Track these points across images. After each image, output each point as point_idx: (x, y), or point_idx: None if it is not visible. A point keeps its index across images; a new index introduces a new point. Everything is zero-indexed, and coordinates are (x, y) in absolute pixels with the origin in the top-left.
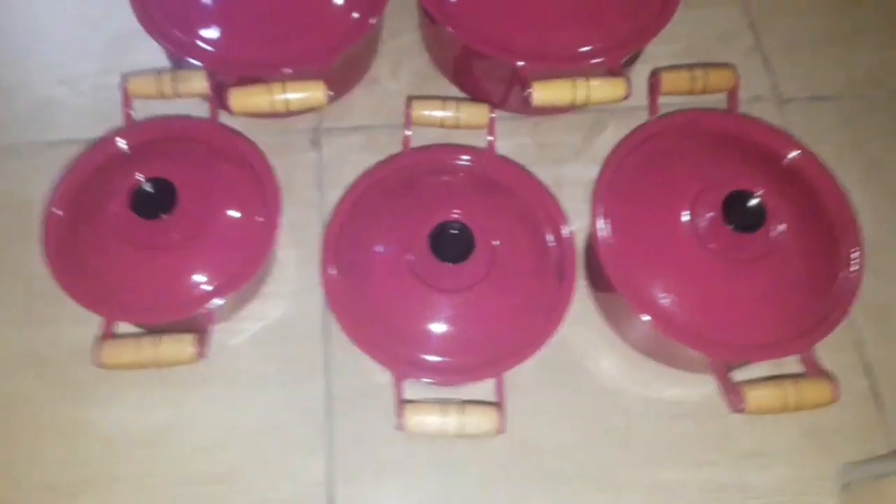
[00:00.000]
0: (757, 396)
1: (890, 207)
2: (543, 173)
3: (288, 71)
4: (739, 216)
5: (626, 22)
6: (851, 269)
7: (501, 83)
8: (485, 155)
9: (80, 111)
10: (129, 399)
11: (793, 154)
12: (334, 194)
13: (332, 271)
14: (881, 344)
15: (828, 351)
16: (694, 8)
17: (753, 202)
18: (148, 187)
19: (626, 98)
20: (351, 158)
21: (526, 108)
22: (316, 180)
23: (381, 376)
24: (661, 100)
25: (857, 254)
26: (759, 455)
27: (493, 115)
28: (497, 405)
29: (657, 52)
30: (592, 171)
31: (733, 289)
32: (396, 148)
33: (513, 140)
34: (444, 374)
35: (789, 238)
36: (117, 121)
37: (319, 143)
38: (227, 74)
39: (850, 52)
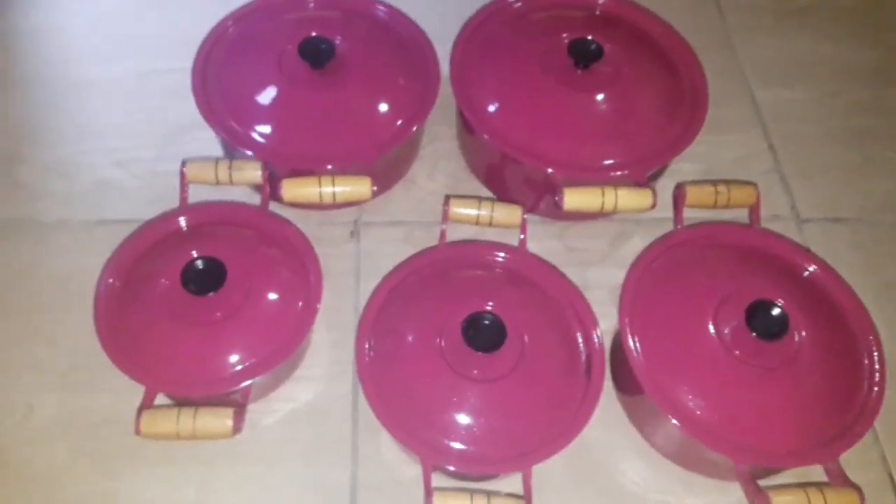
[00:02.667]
0: (782, 503)
1: None
2: (570, 275)
3: (334, 167)
4: (763, 324)
5: (652, 139)
6: (875, 382)
7: (533, 188)
8: (517, 252)
9: (133, 193)
10: (157, 474)
11: (813, 268)
12: (370, 284)
13: (367, 356)
14: None
15: (854, 464)
16: (715, 133)
17: (776, 311)
18: (199, 265)
19: (652, 208)
20: (387, 251)
21: (556, 212)
22: (353, 269)
23: (409, 467)
24: (686, 213)
25: (879, 369)
26: None
27: (525, 216)
28: (523, 499)
29: (681, 168)
30: (617, 276)
31: (758, 395)
32: (431, 243)
33: (542, 242)
34: (474, 465)
35: (811, 348)
36: (167, 205)
37: (359, 235)
38: (279, 166)
39: (864, 179)
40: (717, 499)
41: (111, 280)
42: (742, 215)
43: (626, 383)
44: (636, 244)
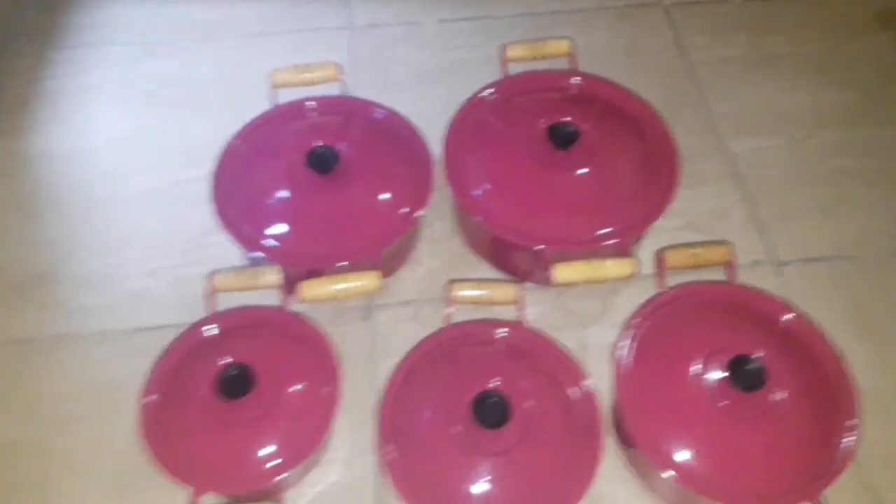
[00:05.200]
0: None
1: (884, 358)
2: (569, 337)
3: (345, 263)
4: (744, 377)
5: (632, 207)
6: (852, 420)
7: (526, 262)
8: (517, 327)
9: (163, 300)
10: None
11: (787, 317)
12: (384, 363)
13: (389, 446)
14: (887, 488)
15: (843, 496)
16: (693, 187)
17: (755, 364)
18: (231, 372)
19: (635, 276)
20: (399, 330)
21: (549, 282)
22: (368, 351)
23: None
24: (668, 273)
25: (855, 407)
26: None
27: (522, 291)
28: None
29: (663, 225)
30: (612, 334)
31: (745, 442)
32: (439, 318)
33: (540, 307)
34: None
35: (791, 394)
36: (196, 308)
37: (370, 317)
38: (295, 268)
39: (838, 218)
40: None
41: (151, 397)
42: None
43: (626, 438)
44: (626, 300)
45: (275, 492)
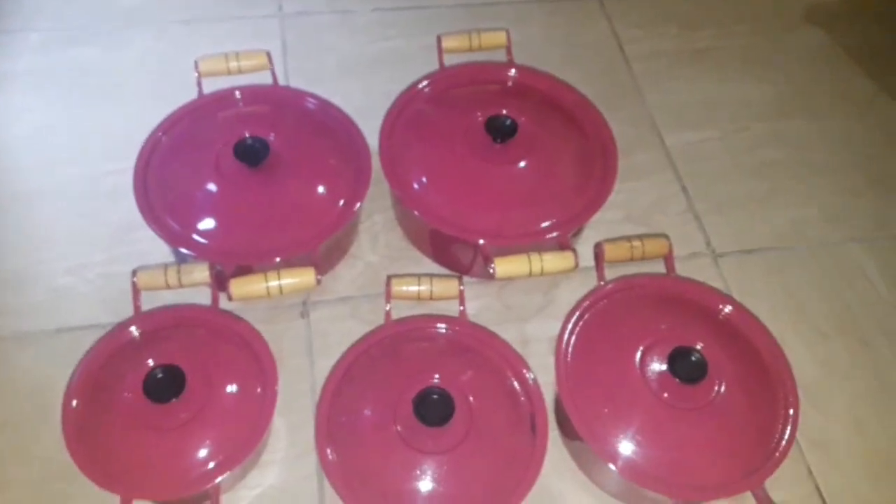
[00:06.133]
0: None
1: (820, 346)
2: (511, 331)
3: (277, 260)
4: (684, 370)
5: (571, 199)
6: (789, 410)
7: (466, 256)
8: (458, 322)
9: (87, 298)
10: None
11: (726, 308)
12: (323, 362)
13: (326, 442)
14: (827, 473)
15: (786, 483)
16: (631, 180)
17: (695, 357)
18: (158, 374)
19: (574, 269)
20: (337, 327)
21: (490, 276)
22: (306, 349)
23: None
24: (607, 267)
25: (793, 399)
26: None
27: (462, 287)
28: None
29: (603, 217)
30: (554, 328)
31: (687, 434)
32: (379, 315)
33: (481, 301)
34: None
35: (732, 385)
36: (122, 306)
37: (308, 315)
38: (225, 264)
39: (772, 210)
40: None
41: (74, 402)
42: (659, 264)
43: (569, 431)
44: (566, 292)
45: (210, 496)
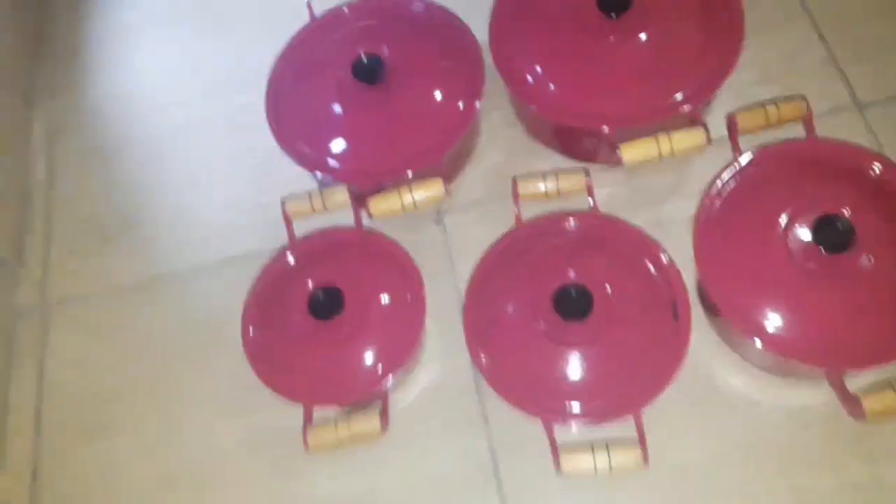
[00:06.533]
0: (873, 402)
1: None
2: (643, 216)
3: (410, 173)
4: (830, 238)
5: (697, 68)
6: None
7: (592, 144)
8: (589, 216)
9: (244, 229)
10: (322, 473)
11: (874, 166)
12: (462, 265)
13: (477, 347)
14: None
15: None
16: (761, 33)
17: (841, 224)
18: (320, 295)
19: (708, 144)
20: (471, 231)
21: (618, 162)
22: (446, 254)
23: (536, 425)
24: (741, 136)
25: None
26: (893, 454)
27: (588, 178)
28: (639, 440)
29: (733, 80)
30: (689, 207)
31: (835, 303)
32: (508, 216)
33: (611, 188)
34: (587, 419)
35: (883, 251)
36: (277, 233)
37: (442, 222)
38: (361, 184)
39: None
40: (822, 397)
41: (251, 329)
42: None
43: (713, 309)
44: (699, 170)
45: (380, 397)
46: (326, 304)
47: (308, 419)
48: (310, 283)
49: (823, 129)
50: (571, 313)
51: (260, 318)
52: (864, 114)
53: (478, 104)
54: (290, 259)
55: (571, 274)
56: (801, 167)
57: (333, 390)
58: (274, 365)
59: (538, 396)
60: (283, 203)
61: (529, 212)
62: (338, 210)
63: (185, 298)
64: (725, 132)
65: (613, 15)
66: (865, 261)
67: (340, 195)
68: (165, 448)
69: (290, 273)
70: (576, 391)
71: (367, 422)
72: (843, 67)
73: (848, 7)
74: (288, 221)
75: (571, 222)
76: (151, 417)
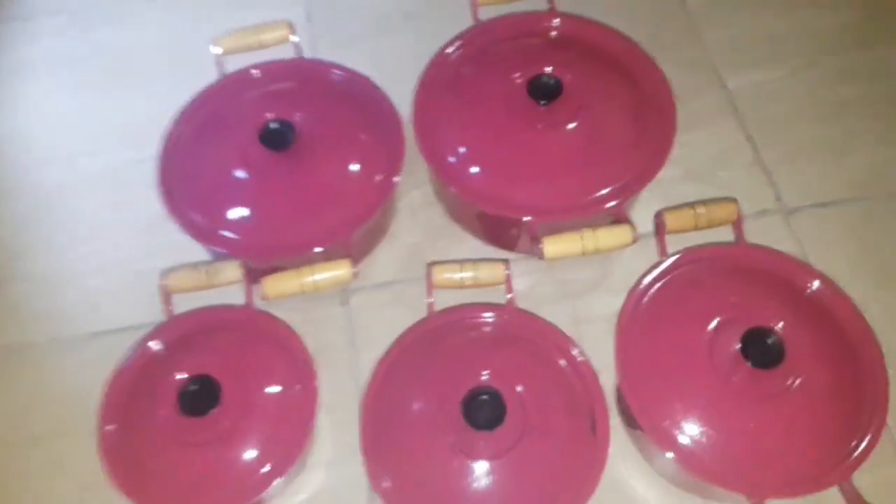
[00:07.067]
0: None
1: None
2: (563, 310)
3: (319, 250)
4: (759, 353)
5: (626, 162)
6: (879, 394)
7: (512, 233)
8: (506, 311)
9: (120, 299)
10: None
11: (806, 281)
12: (366, 354)
13: (374, 455)
14: None
15: (870, 464)
16: (691, 131)
17: (771, 339)
18: (193, 387)
19: (633, 243)
20: (379, 315)
21: (539, 254)
22: (347, 340)
23: None
24: (669, 236)
25: (882, 381)
26: None
27: (508, 271)
28: None
29: (660, 177)
30: (611, 304)
31: (759, 423)
32: (422, 300)
33: (530, 277)
34: None
35: (813, 369)
36: (156, 304)
37: (348, 303)
38: (257, 261)
39: (847, 156)
40: None
41: (108, 427)
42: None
43: (631, 421)
44: (623, 267)
45: None
46: (199, 398)
47: None
48: (182, 373)
49: (748, 233)
50: (482, 422)
51: (121, 415)
52: (789, 219)
53: (395, 179)
54: (161, 343)
55: (484, 376)
56: (731, 274)
57: (200, 501)
58: (135, 470)
59: None
60: (161, 276)
61: (444, 299)
62: (228, 286)
63: (43, 375)
64: (651, 228)
65: (543, 102)
66: (793, 380)
67: (231, 271)
68: None
69: (160, 360)
70: None
71: None
72: (770, 170)
73: (776, 109)
74: (167, 297)
75: (486, 317)
76: None
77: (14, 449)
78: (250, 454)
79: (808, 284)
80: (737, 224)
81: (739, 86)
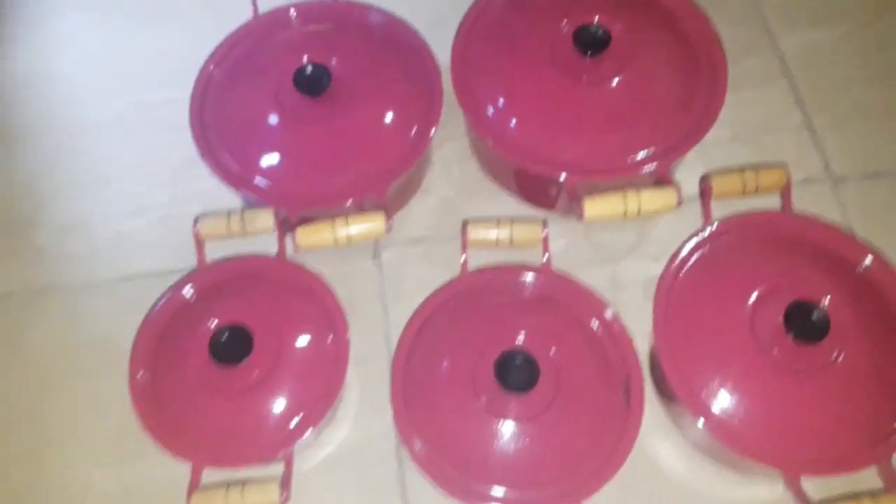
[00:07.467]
0: None
1: None
2: (600, 274)
3: (349, 203)
4: (802, 327)
5: (673, 122)
6: None
7: (551, 191)
8: (543, 273)
9: (152, 244)
10: None
11: (857, 257)
12: (397, 309)
13: (404, 411)
14: None
15: None
16: (739, 91)
17: (816, 314)
18: (225, 335)
19: (678, 206)
20: (410, 271)
21: (578, 214)
22: (378, 294)
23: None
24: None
25: None
26: None
27: (546, 231)
28: None
29: (706, 138)
30: (649, 269)
31: (799, 399)
32: (454, 258)
33: (567, 239)
34: None
35: (857, 345)
36: (188, 250)
37: (380, 256)
38: (290, 209)
39: None
40: (767, 490)
41: (140, 373)
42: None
43: (666, 391)
44: (663, 231)
45: (284, 459)
46: (231, 347)
47: (195, 483)
48: (214, 322)
49: (794, 201)
50: (515, 384)
51: (153, 361)
52: (836, 189)
53: (432, 131)
54: (194, 290)
55: (518, 339)
56: (777, 244)
57: (231, 450)
58: (166, 416)
59: (469, 478)
60: (195, 222)
61: (477, 258)
62: (261, 235)
63: (75, 317)
64: (693, 191)
65: (589, 53)
66: (836, 356)
67: (264, 219)
68: (31, 498)
69: (193, 307)
70: (511, 476)
71: (264, 493)
72: (820, 136)
73: (829, 72)
74: (200, 244)
75: (522, 279)
76: (16, 457)
77: (49, 388)
78: (281, 404)
79: (860, 260)
80: (785, 191)
81: (792, 45)
